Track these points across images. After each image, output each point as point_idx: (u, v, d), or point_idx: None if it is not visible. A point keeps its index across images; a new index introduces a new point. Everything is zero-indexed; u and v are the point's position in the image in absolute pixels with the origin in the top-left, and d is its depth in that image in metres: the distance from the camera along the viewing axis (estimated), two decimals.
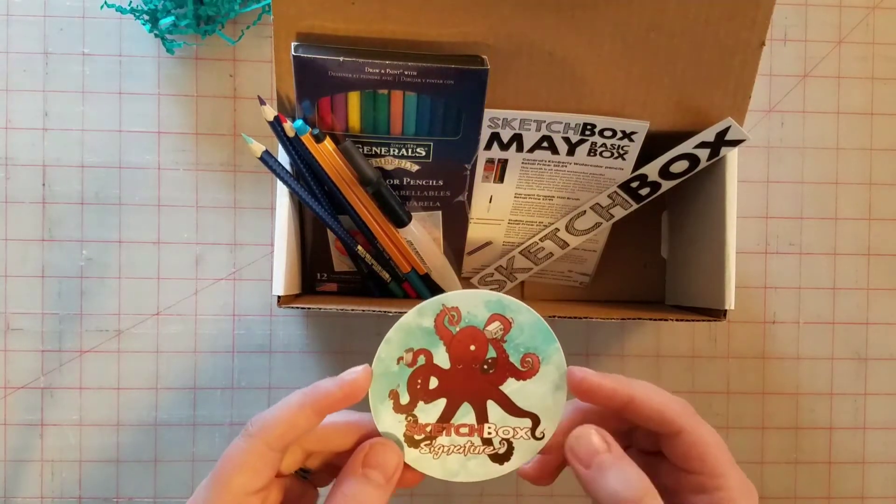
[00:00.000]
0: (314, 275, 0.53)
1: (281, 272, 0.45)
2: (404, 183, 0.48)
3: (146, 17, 0.54)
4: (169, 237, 0.57)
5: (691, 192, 0.52)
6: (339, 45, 0.43)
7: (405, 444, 0.32)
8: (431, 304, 0.32)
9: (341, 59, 0.42)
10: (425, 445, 0.32)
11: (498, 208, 0.52)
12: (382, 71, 0.42)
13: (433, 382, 0.32)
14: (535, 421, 0.33)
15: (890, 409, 0.60)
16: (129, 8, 0.54)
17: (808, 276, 0.59)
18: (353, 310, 0.45)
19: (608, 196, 0.50)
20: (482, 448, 0.33)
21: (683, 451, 0.31)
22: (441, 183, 0.48)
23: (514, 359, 0.32)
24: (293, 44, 0.42)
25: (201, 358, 0.57)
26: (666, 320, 0.47)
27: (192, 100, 0.57)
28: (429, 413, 0.32)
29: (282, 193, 0.46)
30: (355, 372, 0.31)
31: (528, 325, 0.32)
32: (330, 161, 0.46)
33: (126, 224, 0.56)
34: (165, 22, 0.53)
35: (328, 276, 0.53)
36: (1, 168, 0.56)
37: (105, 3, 0.54)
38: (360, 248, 0.49)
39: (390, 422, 0.32)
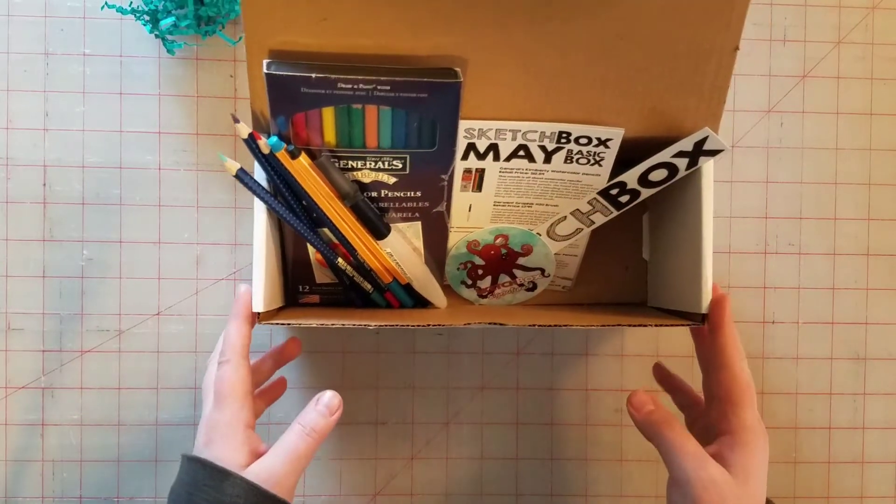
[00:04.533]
0: (296, 287, 0.53)
1: (260, 289, 0.45)
2: (382, 195, 0.48)
3: (147, 18, 0.54)
4: (169, 237, 0.57)
5: (670, 195, 0.52)
6: (312, 61, 0.42)
7: (478, 298, 0.56)
8: (461, 244, 0.53)
9: (313, 75, 0.41)
10: (490, 296, 0.56)
11: (478, 216, 0.52)
12: (355, 86, 0.42)
13: (480, 271, 0.55)
14: (542, 271, 0.55)
15: (889, 409, 0.60)
16: (129, 9, 0.54)
17: (807, 277, 0.59)
18: (332, 324, 0.45)
19: (588, 203, 0.51)
20: (520, 288, 0.56)
21: (722, 383, 0.44)
22: (419, 194, 0.48)
23: (517, 249, 0.54)
24: (265, 61, 0.42)
25: (202, 358, 0.57)
26: (645, 326, 0.47)
27: (192, 100, 0.57)
28: (484, 283, 0.56)
29: (259, 209, 0.46)
30: (242, 289, 0.45)
31: (518, 232, 0.53)
32: (306, 176, 0.46)
33: (126, 224, 0.57)
34: (166, 22, 0.54)
35: (310, 288, 0.53)
36: (2, 168, 0.56)
37: (106, 3, 0.54)
38: (340, 260, 0.49)
39: (467, 292, 0.56)
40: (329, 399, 0.44)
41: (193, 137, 0.57)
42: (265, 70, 0.42)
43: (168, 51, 0.55)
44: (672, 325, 0.48)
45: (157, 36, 0.55)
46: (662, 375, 0.53)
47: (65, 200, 0.56)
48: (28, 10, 0.56)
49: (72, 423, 0.56)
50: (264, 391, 0.52)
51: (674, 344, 0.59)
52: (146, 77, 0.57)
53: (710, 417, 0.45)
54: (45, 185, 0.56)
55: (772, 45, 0.59)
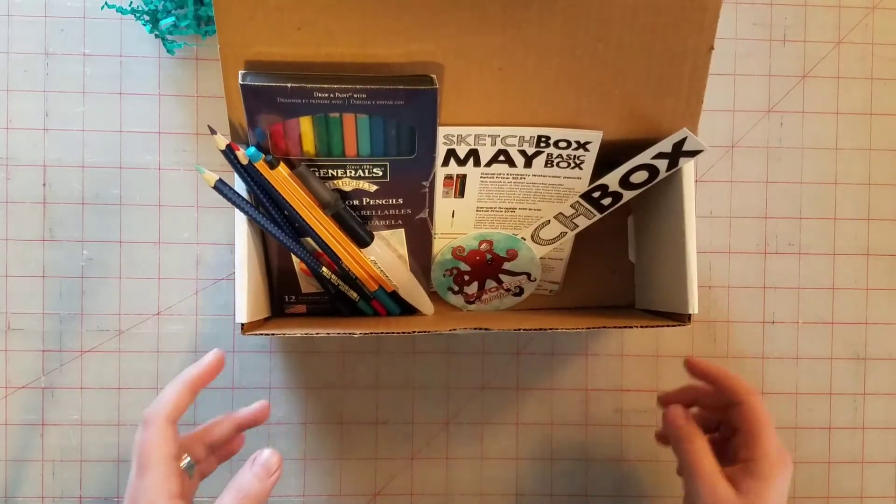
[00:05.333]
0: (282, 297, 0.53)
1: (243, 300, 0.45)
2: (364, 203, 0.48)
3: (147, 18, 0.54)
4: (169, 237, 0.57)
5: (653, 196, 0.52)
6: (288, 70, 0.42)
7: (465, 304, 0.56)
8: (447, 250, 0.53)
9: (289, 85, 0.41)
10: (477, 302, 0.56)
11: (461, 222, 0.52)
12: (331, 95, 0.42)
13: (467, 277, 0.55)
14: (528, 275, 0.55)
15: (888, 409, 0.60)
16: (129, 9, 0.54)
17: (807, 277, 0.59)
18: (317, 333, 0.45)
19: (571, 206, 0.51)
20: (507, 293, 0.56)
21: (742, 416, 0.46)
22: (401, 201, 0.48)
23: (502, 254, 0.54)
24: (240, 72, 0.42)
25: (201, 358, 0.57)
26: (631, 327, 0.48)
27: (192, 100, 0.57)
28: (471, 289, 0.56)
29: (240, 221, 0.46)
30: (211, 355, 0.44)
31: (502, 238, 0.53)
32: (286, 186, 0.46)
33: (126, 224, 0.57)
34: (166, 22, 0.54)
35: (297, 298, 0.53)
36: (2, 168, 0.56)
37: (106, 3, 0.54)
38: (324, 269, 0.49)
39: (454, 298, 0.56)
40: (266, 458, 0.41)
41: (193, 137, 0.57)
42: (241, 81, 0.42)
43: (168, 51, 0.55)
44: (657, 326, 0.48)
45: (157, 36, 0.55)
46: (697, 371, 0.50)
47: (65, 200, 0.56)
48: (28, 10, 0.56)
49: (72, 423, 0.56)
50: (220, 449, 0.48)
51: (674, 344, 0.59)
52: (146, 77, 0.57)
53: (734, 444, 0.47)
54: (45, 185, 0.56)
55: (772, 45, 0.59)
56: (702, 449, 0.45)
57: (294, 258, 0.51)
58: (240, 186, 0.47)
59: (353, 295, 0.51)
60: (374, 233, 0.50)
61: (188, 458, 0.42)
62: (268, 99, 0.42)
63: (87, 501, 0.56)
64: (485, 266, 0.55)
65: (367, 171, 0.47)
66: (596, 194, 0.50)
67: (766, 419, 0.46)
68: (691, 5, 0.42)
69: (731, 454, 0.47)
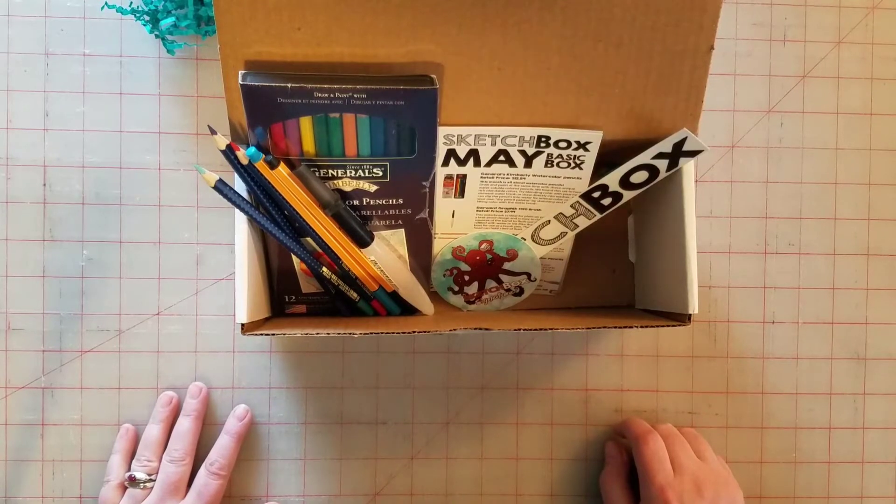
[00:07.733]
0: (283, 297, 0.53)
1: (243, 300, 0.45)
2: (364, 203, 0.48)
3: (147, 18, 0.54)
4: (169, 237, 0.57)
5: (653, 196, 0.52)
6: (287, 70, 0.42)
7: (465, 304, 0.56)
8: (447, 250, 0.54)
9: (289, 85, 0.41)
10: (477, 302, 0.56)
11: (461, 222, 0.52)
12: (331, 95, 0.42)
13: (467, 277, 0.55)
14: (528, 275, 0.56)
15: (889, 409, 0.60)
16: (129, 9, 0.54)
17: (807, 277, 0.59)
18: (317, 333, 0.45)
19: (571, 206, 0.51)
20: (507, 293, 0.56)
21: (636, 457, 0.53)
22: (401, 201, 0.48)
23: (502, 254, 0.54)
24: (241, 72, 0.42)
25: (202, 358, 0.57)
26: (631, 327, 0.48)
27: (192, 100, 0.57)
28: (471, 289, 0.56)
29: (240, 221, 0.46)
30: (243, 415, 0.56)
31: (502, 238, 0.54)
32: (286, 186, 0.46)
33: (126, 224, 0.57)
34: (166, 23, 0.54)
35: (296, 298, 0.53)
36: (2, 168, 0.56)
37: (106, 3, 0.54)
38: (325, 269, 0.49)
39: (454, 298, 0.56)
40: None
41: (193, 137, 0.57)
42: (241, 81, 0.42)
43: (168, 51, 0.55)
44: (657, 326, 0.48)
45: (157, 36, 0.55)
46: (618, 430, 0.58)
47: (65, 200, 0.56)
48: (28, 10, 0.56)
49: (72, 423, 0.56)
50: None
51: (674, 344, 0.59)
52: (146, 77, 0.57)
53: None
54: (45, 185, 0.56)
55: (772, 45, 0.59)
56: (618, 487, 0.54)
57: (294, 258, 0.51)
58: (240, 186, 0.47)
59: (353, 295, 0.51)
60: (375, 233, 0.50)
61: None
62: (268, 99, 0.42)
63: (87, 501, 0.56)
64: (485, 266, 0.55)
65: (367, 171, 0.47)
66: (596, 194, 0.50)
67: (648, 462, 0.51)
68: (691, 5, 0.42)
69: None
